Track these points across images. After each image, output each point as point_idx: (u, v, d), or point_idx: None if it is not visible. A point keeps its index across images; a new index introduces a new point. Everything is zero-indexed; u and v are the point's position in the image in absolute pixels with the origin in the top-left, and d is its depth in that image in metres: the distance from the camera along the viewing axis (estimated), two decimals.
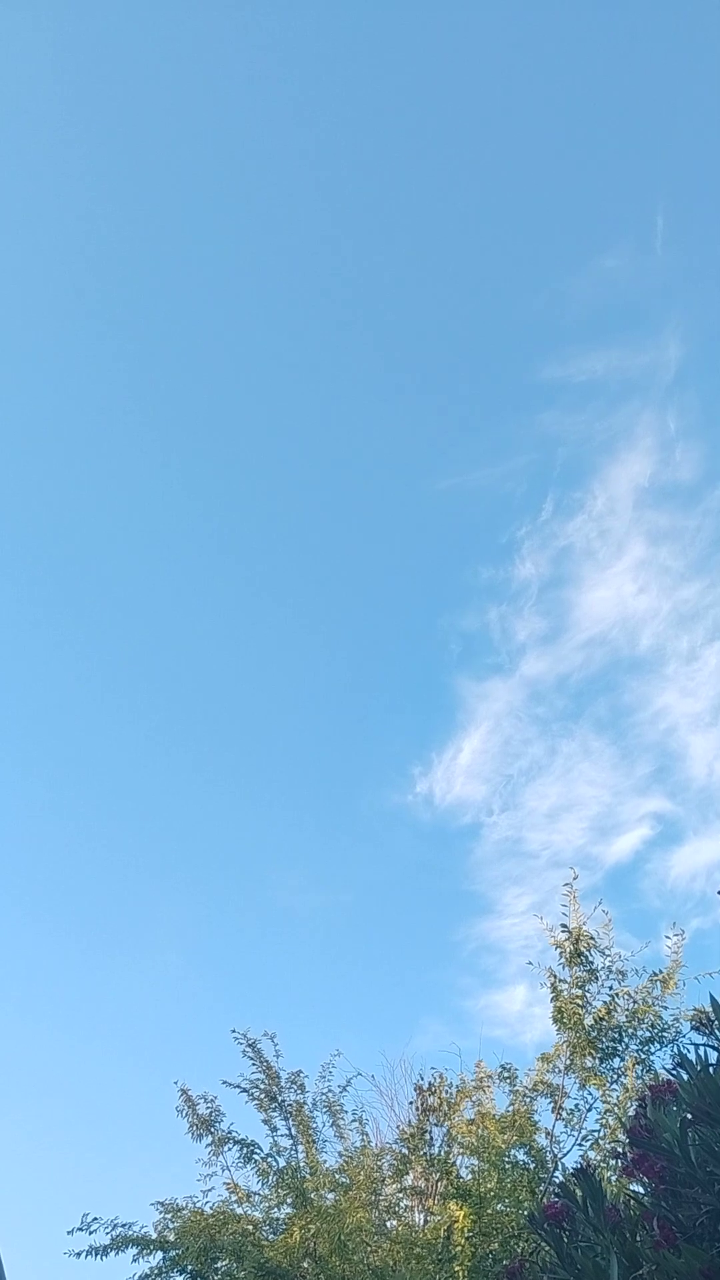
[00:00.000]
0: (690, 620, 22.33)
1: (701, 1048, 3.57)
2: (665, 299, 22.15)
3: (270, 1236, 10.20)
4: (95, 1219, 10.34)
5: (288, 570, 24.98)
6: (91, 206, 22.22)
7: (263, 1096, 11.36)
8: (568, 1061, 10.14)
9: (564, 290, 22.35)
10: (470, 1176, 9.98)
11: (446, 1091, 10.98)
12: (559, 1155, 9.90)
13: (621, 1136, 9.06)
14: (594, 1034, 10.05)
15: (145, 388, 24.13)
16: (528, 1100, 10.27)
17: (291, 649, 25.10)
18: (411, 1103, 11.28)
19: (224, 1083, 11.41)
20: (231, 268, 22.86)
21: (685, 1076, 3.46)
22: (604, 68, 20.45)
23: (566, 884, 10.70)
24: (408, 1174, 10.76)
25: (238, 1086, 11.40)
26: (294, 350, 23.40)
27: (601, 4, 19.40)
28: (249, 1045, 11.58)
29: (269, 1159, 10.97)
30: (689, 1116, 3.30)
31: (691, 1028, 9.61)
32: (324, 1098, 11.57)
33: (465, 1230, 9.08)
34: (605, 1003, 10.17)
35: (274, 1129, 11.26)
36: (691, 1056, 3.54)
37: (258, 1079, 11.44)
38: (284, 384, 23.86)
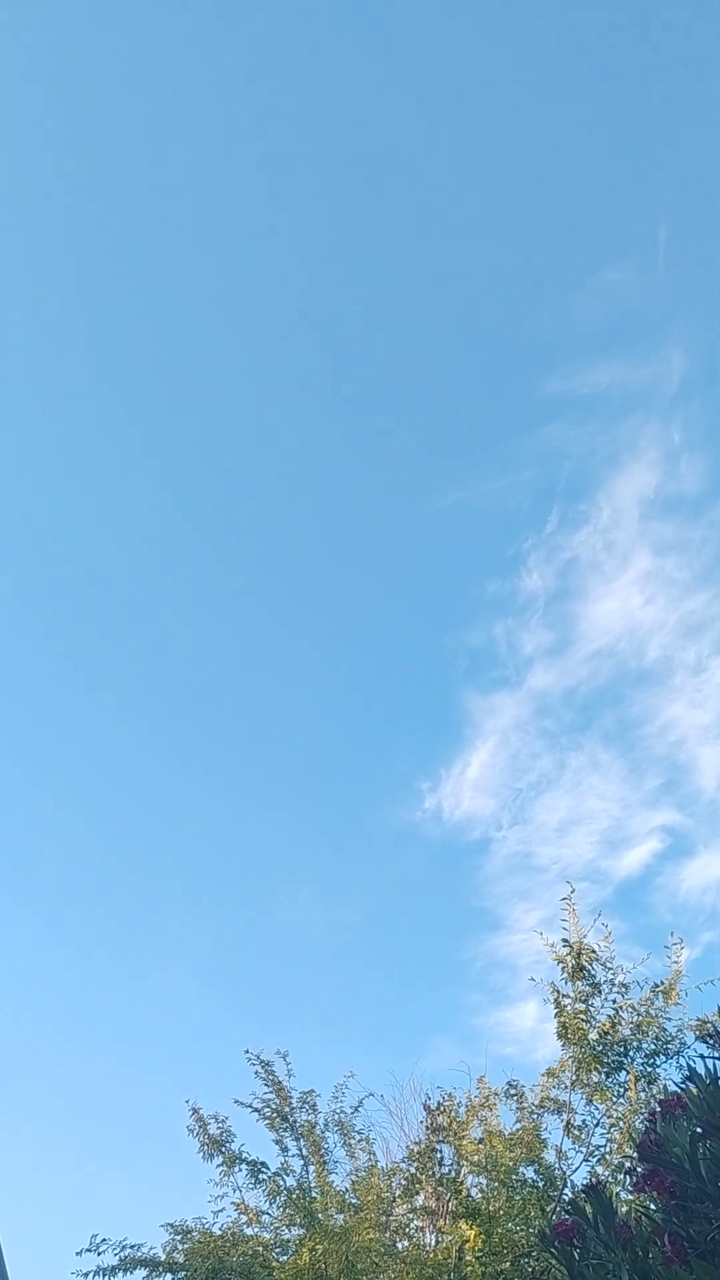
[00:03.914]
0: (697, 631, 22.32)
1: (711, 1060, 3.53)
2: (668, 312, 22.25)
3: (280, 1258, 10.12)
4: (104, 1240, 10.31)
5: (292, 587, 25.06)
6: (89, 217, 22.42)
7: (274, 1116, 11.30)
8: (573, 1077, 10.07)
9: (567, 304, 22.47)
10: (480, 1195, 9.90)
11: (455, 1110, 10.91)
12: (568, 1172, 9.83)
13: (629, 1151, 8.99)
14: (599, 1048, 9.99)
15: (148, 401, 24.26)
16: (534, 1117, 10.20)
17: (298, 666, 25.13)
18: (421, 1122, 11.22)
19: (236, 1102, 11.40)
20: (233, 282, 23.03)
21: (695, 1090, 3.42)
22: (606, 82, 20.64)
23: (565, 898, 10.68)
24: (418, 1194, 10.68)
25: (249, 1106, 11.36)
26: (296, 365, 23.54)
27: (603, 19, 19.53)
28: (262, 1065, 11.53)
29: (277, 1178, 10.90)
30: (699, 1131, 3.27)
31: (696, 1038, 9.57)
32: (335, 1118, 11.51)
33: (476, 1249, 9.02)
34: (609, 1016, 10.11)
35: (285, 1149, 11.21)
36: (700, 1069, 3.51)
37: (269, 1098, 11.39)
38: (287, 400, 23.99)
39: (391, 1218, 10.64)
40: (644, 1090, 9.71)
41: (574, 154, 21.58)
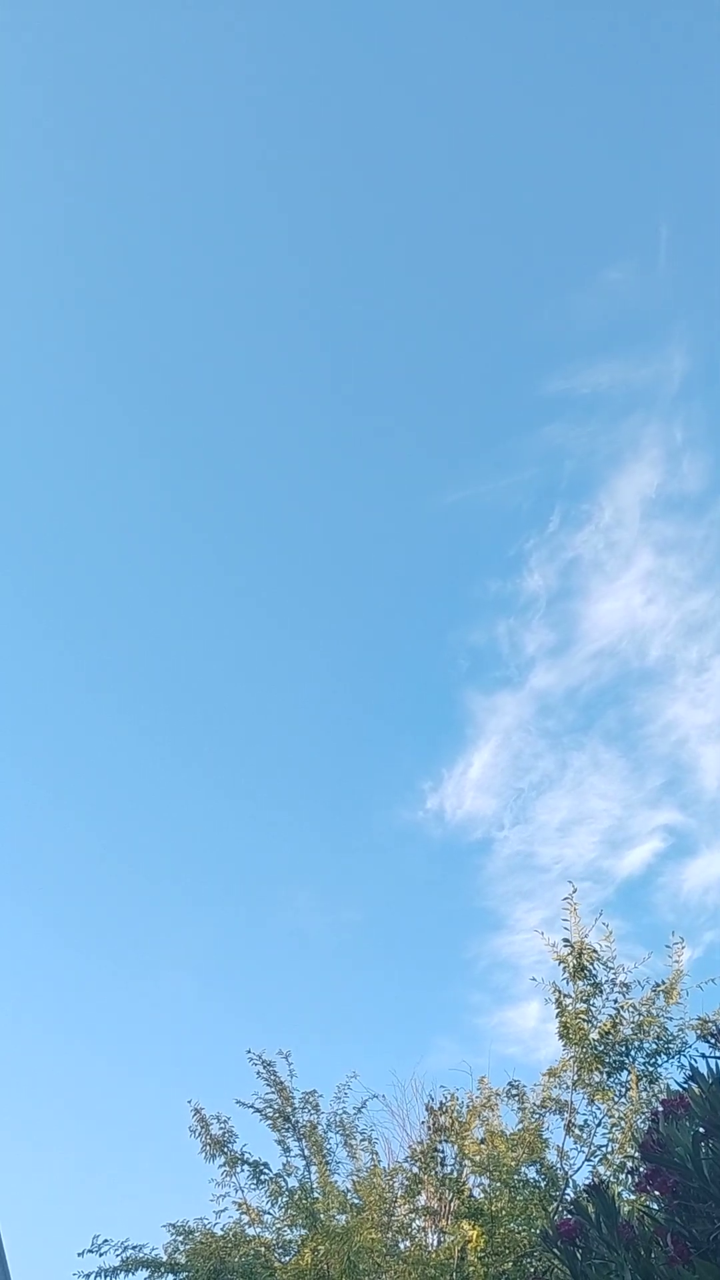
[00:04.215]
0: (699, 630, 22.32)
1: (713, 1060, 3.52)
2: (670, 311, 22.26)
3: (282, 1259, 10.12)
4: (105, 1240, 10.31)
5: (293, 587, 25.05)
6: (89, 217, 22.43)
7: (276, 1116, 11.29)
8: (575, 1077, 10.06)
9: (568, 304, 22.47)
10: (482, 1195, 9.90)
11: (457, 1111, 10.91)
12: (570, 1172, 9.82)
13: (630, 1150, 8.99)
14: (600, 1048, 9.98)
15: (149, 402, 24.26)
16: (536, 1117, 10.20)
17: (299, 666, 25.12)
18: (423, 1122, 11.21)
19: (238, 1102, 11.38)
20: (233, 282, 23.03)
21: (697, 1090, 3.42)
22: (607, 81, 20.65)
23: (566, 898, 10.68)
24: (420, 1194, 10.68)
25: (251, 1106, 11.34)
26: (297, 365, 23.53)
27: (604, 18, 19.53)
28: (264, 1065, 11.51)
29: (279, 1178, 10.90)
30: (701, 1130, 3.27)
31: (698, 1037, 9.57)
32: (337, 1118, 11.50)
33: (478, 1250, 9.02)
34: (611, 1016, 10.11)
35: (287, 1149, 11.20)
36: (702, 1069, 3.50)
37: (272, 1099, 11.37)
38: (287, 400, 23.99)
39: (393, 1218, 10.63)
40: (645, 1090, 9.71)
41: (575, 154, 21.60)
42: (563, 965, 10.45)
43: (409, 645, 25.04)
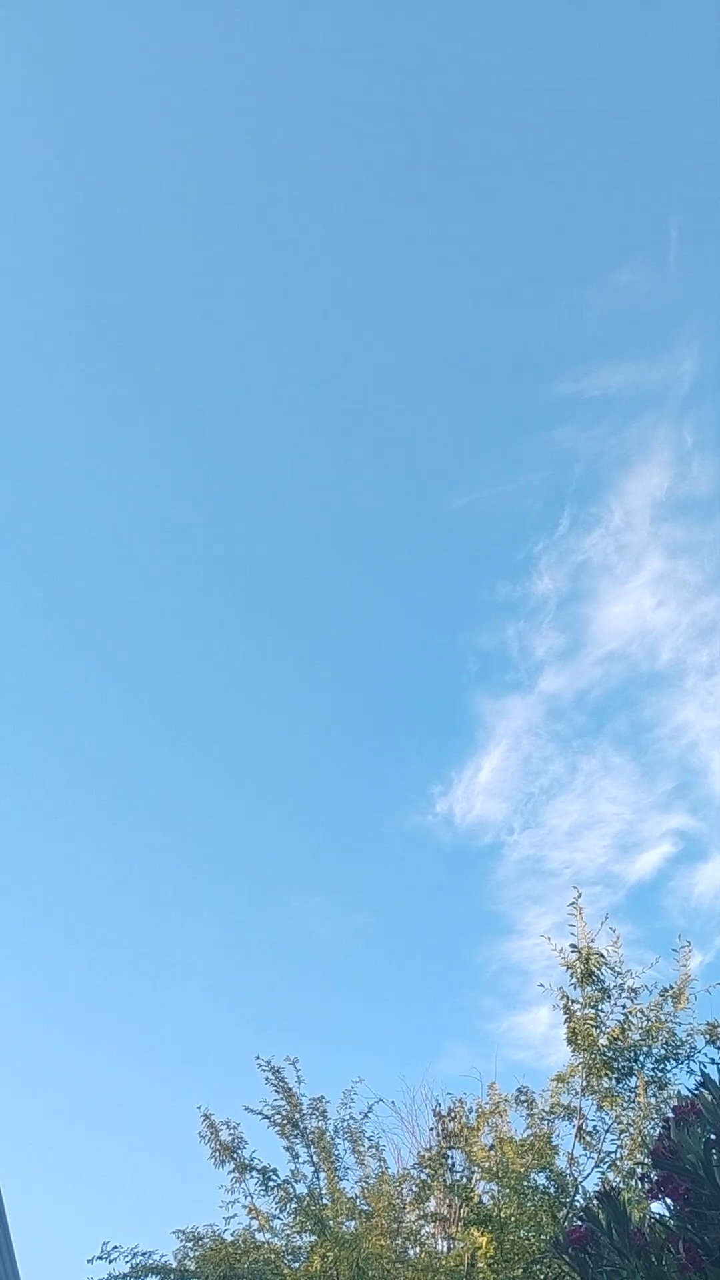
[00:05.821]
0: (709, 633, 22.23)
1: None
2: (679, 312, 22.16)
3: (292, 1265, 10.11)
4: (115, 1247, 10.32)
5: (303, 591, 25.03)
6: (92, 217, 22.40)
7: (285, 1123, 11.28)
8: (584, 1083, 10.04)
9: (577, 305, 22.42)
10: (491, 1202, 9.87)
11: (466, 1116, 10.88)
12: (579, 1178, 9.79)
13: (640, 1156, 8.97)
14: (609, 1054, 9.96)
15: (154, 405, 24.26)
16: (545, 1123, 10.17)
17: (308, 670, 25.11)
18: (432, 1128, 11.19)
19: (246, 1109, 11.38)
20: (239, 283, 23.02)
21: (709, 1096, 3.41)
22: (615, 81, 20.58)
23: (572, 902, 10.66)
24: (429, 1200, 10.65)
25: (260, 1113, 11.34)
26: (304, 368, 23.53)
27: (611, 17, 19.51)
28: (272, 1071, 11.51)
29: (288, 1185, 10.89)
30: (713, 1137, 3.26)
31: (707, 1043, 9.52)
32: (345, 1124, 11.49)
33: (488, 1257, 8.99)
34: (619, 1022, 10.09)
35: (295, 1156, 11.18)
36: (714, 1075, 3.49)
37: (280, 1105, 11.37)
38: (295, 402, 23.99)
39: (402, 1224, 10.62)
40: (654, 1095, 9.68)
41: (584, 154, 21.54)
42: (570, 971, 10.43)
43: (418, 649, 25.03)
